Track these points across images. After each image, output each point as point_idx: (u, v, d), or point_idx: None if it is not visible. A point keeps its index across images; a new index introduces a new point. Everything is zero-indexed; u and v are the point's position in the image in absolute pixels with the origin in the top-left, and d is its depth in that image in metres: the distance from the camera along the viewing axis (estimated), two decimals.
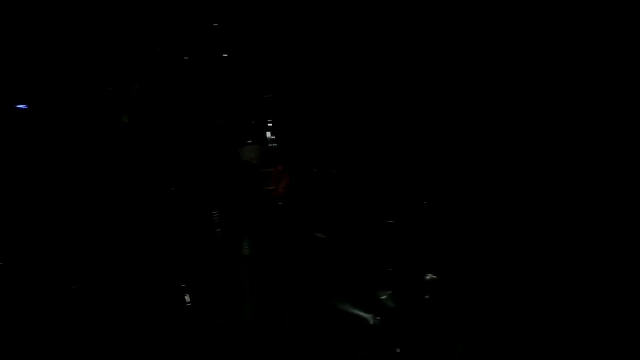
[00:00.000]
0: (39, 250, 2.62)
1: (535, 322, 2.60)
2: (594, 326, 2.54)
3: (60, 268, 2.63)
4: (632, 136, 2.58)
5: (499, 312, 2.66)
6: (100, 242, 2.69)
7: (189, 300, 2.68)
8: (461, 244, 2.77)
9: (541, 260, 2.65)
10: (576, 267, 2.61)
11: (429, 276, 2.74)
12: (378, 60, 2.85)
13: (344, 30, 2.84)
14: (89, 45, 2.73)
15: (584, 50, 2.62)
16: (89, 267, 2.66)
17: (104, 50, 2.75)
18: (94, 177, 2.72)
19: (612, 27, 2.57)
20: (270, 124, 2.82)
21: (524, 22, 2.69)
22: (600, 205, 2.62)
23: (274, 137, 2.83)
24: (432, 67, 2.83)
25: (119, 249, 2.69)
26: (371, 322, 2.69)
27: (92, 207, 2.70)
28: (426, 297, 2.71)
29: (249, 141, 2.80)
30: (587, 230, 2.62)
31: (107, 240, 2.69)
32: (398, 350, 2.66)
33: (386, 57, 2.84)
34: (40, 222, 2.65)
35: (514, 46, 2.72)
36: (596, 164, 2.64)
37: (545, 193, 2.70)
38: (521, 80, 2.73)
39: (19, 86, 2.65)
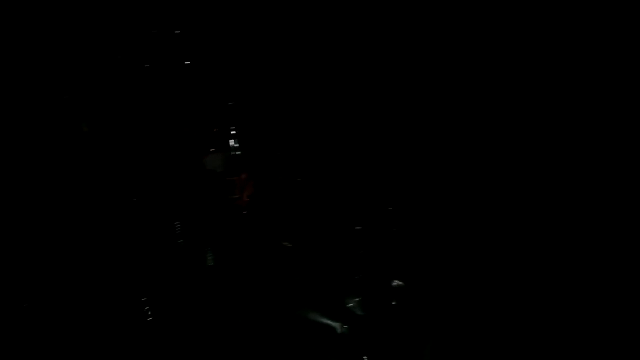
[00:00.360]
0: None
1: (503, 326, 2.62)
2: (562, 325, 2.56)
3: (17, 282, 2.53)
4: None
5: (466, 317, 2.67)
6: (62, 253, 2.60)
7: (151, 312, 2.60)
8: (426, 249, 2.78)
9: (507, 263, 2.68)
10: (540, 272, 2.64)
11: (395, 282, 2.74)
12: (339, 68, 2.87)
13: (306, 39, 2.87)
14: (46, 54, 2.69)
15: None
16: (49, 280, 2.57)
17: (64, 59, 2.71)
18: (55, 188, 2.65)
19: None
20: (233, 132, 2.81)
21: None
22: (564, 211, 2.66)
23: (237, 145, 2.82)
24: (391, 79, 2.86)
25: (81, 261, 2.61)
26: (339, 330, 2.67)
27: (54, 217, 2.62)
28: (393, 303, 2.71)
29: (213, 149, 2.79)
30: (547, 236, 2.66)
31: (70, 251, 2.61)
32: (365, 358, 2.63)
33: (347, 66, 2.88)
34: None
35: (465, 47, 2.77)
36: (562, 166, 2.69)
37: (505, 198, 2.74)
38: (479, 83, 2.78)
39: None
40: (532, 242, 2.66)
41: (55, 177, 2.66)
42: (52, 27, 2.60)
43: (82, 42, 2.65)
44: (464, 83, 2.77)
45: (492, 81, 2.75)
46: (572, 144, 2.63)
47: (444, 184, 2.81)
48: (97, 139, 2.70)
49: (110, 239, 2.66)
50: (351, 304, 2.71)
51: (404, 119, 2.85)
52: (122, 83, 2.71)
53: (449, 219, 2.79)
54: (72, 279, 2.59)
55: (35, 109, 2.62)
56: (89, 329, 2.53)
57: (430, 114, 2.82)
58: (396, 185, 2.85)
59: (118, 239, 2.67)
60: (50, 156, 2.66)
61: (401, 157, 2.85)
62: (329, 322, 2.68)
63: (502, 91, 2.74)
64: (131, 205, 2.70)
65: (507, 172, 2.73)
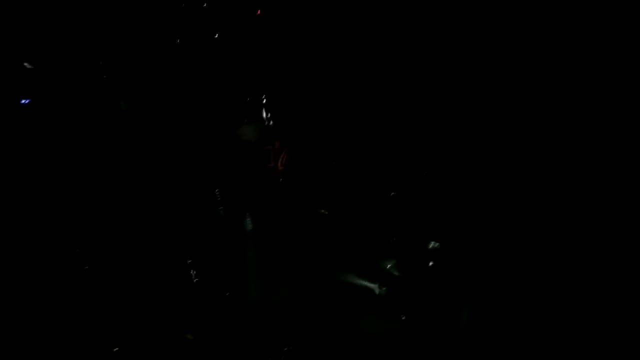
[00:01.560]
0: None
1: (540, 290, 2.62)
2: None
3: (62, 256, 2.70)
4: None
5: (503, 278, 2.69)
6: (104, 226, 2.75)
7: (195, 276, 2.74)
8: (462, 212, 2.78)
9: (545, 230, 2.65)
10: (577, 237, 2.61)
11: (431, 244, 2.77)
12: (377, 39, 2.83)
13: (336, 14, 2.83)
14: (84, 39, 2.76)
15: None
16: (94, 251, 2.73)
17: (98, 43, 2.78)
18: (94, 165, 2.77)
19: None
20: (265, 102, 2.84)
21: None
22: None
23: (270, 114, 2.85)
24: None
25: (123, 232, 2.76)
26: (377, 291, 2.74)
27: (94, 193, 2.76)
28: (430, 264, 2.75)
29: (246, 120, 2.83)
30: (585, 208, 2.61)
31: (112, 224, 2.75)
32: (404, 317, 2.71)
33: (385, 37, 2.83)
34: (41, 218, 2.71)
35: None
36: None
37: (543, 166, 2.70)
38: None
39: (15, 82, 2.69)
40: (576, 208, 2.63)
41: (95, 152, 2.78)
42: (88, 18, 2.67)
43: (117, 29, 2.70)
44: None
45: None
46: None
47: (480, 149, 2.77)
48: (134, 116, 2.79)
49: (153, 209, 2.79)
50: (389, 266, 2.76)
51: (439, 92, 2.80)
52: (157, 61, 2.76)
53: (484, 182, 2.77)
54: (116, 248, 2.75)
55: (76, 92, 2.73)
56: (132, 294, 2.70)
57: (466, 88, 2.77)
58: (431, 149, 2.83)
59: (161, 208, 2.80)
60: (90, 134, 2.78)
61: (436, 124, 2.82)
62: (367, 284, 2.75)
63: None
64: (172, 177, 2.81)
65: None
